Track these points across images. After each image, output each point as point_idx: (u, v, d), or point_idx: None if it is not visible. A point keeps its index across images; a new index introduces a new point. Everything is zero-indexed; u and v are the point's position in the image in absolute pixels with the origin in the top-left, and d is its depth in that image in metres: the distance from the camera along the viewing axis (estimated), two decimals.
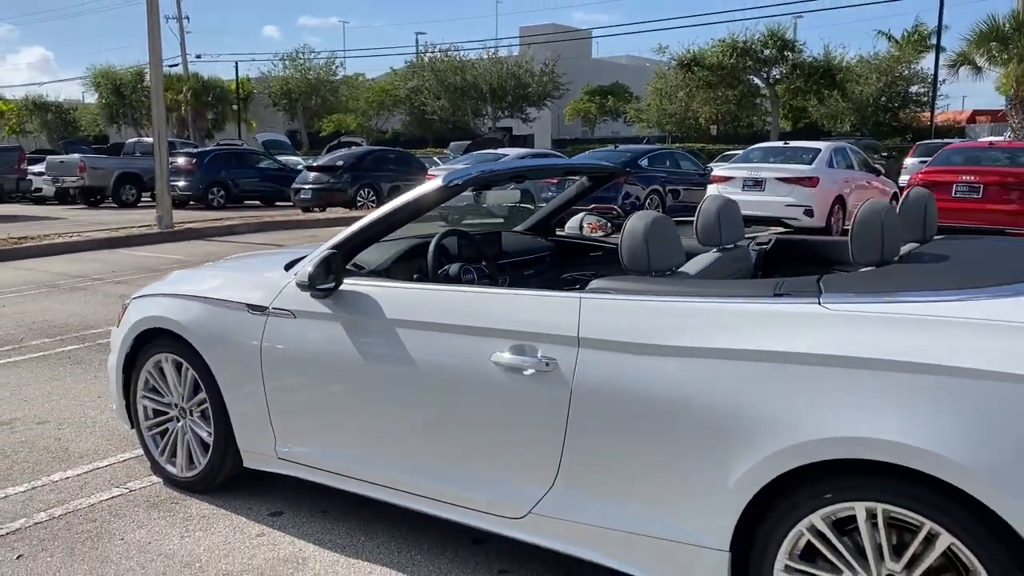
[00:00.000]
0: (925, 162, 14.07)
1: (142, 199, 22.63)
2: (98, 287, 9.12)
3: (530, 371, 2.63)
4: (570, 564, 2.83)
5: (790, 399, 2.20)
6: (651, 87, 38.59)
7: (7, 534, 3.32)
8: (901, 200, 3.24)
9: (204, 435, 3.61)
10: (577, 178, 4.56)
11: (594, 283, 2.71)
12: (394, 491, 3.05)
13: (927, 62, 36.55)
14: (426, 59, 43.22)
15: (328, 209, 18.73)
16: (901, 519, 2.11)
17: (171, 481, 3.76)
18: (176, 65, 51.18)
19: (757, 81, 31.41)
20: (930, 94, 37.93)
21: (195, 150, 23.54)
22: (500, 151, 18.01)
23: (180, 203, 21.48)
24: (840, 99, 32.52)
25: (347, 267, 3.27)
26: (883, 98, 36.28)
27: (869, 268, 2.68)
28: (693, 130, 38.12)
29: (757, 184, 12.34)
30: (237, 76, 47.56)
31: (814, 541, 2.23)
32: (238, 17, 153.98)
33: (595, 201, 13.42)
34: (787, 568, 2.27)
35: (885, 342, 2.13)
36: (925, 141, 23.99)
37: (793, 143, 14.19)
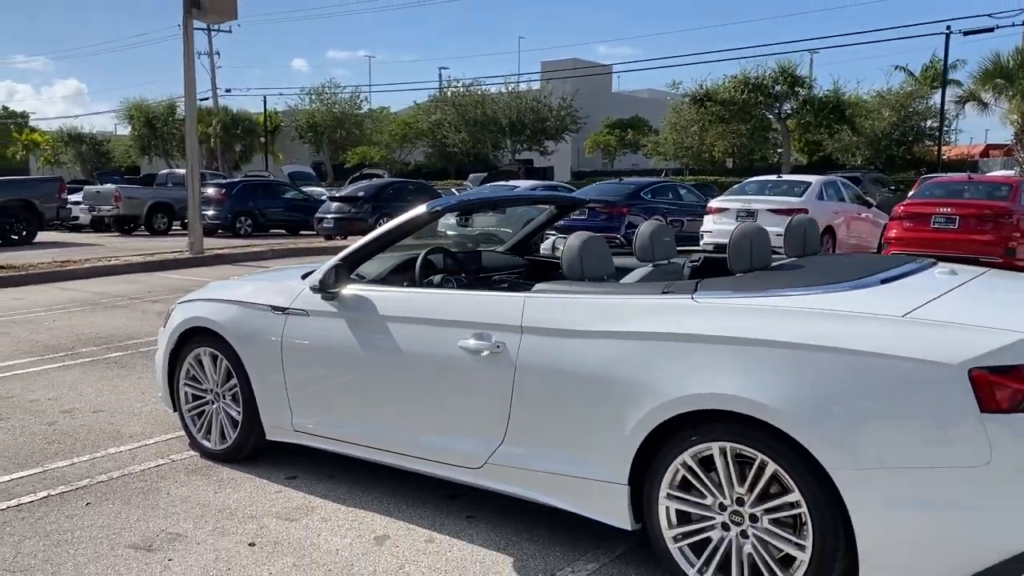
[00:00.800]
0: None
1: (173, 227, 23.73)
2: (137, 305, 10.03)
3: (486, 352, 3.42)
4: (521, 509, 3.61)
5: (665, 367, 2.98)
6: (667, 121, 39.54)
7: (77, 488, 4.14)
8: (785, 226, 4.02)
9: (234, 414, 4.42)
10: (548, 207, 5.38)
11: (536, 286, 3.52)
12: (385, 452, 3.84)
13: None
14: (448, 93, 44.49)
15: (349, 237, 19.67)
16: (743, 454, 2.87)
17: (206, 453, 4.58)
18: (207, 99, 52.97)
19: (769, 116, 32.23)
20: (944, 128, 38.51)
21: (224, 181, 24.61)
22: (513, 183, 18.89)
23: (209, 231, 22.50)
24: (851, 133, 33.24)
25: (351, 276, 4.09)
26: (897, 132, 36.93)
27: (741, 274, 3.47)
28: (709, 163, 38.91)
29: (750, 215, 13.10)
30: (265, 110, 49.10)
31: (687, 475, 2.99)
32: (268, 51, 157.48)
33: (601, 230, 14.24)
34: (668, 496, 3.03)
35: (732, 324, 2.91)
36: (930, 175, 24.62)
37: (786, 177, 14.96)
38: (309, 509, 3.88)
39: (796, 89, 30.97)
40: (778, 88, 30.95)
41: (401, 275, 4.36)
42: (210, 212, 22.43)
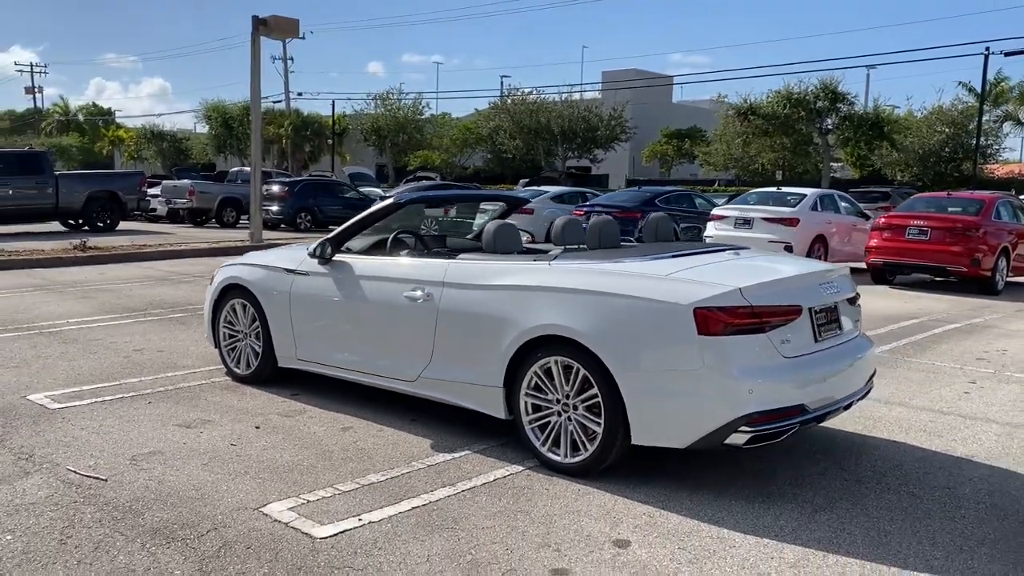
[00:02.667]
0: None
1: (240, 221, 25.88)
2: (198, 281, 11.87)
3: (420, 300, 4.97)
4: (449, 413, 5.14)
5: (525, 307, 4.48)
6: (715, 133, 40.59)
7: (142, 394, 5.82)
8: (642, 223, 5.49)
9: (257, 348, 6.05)
10: (500, 204, 6.89)
11: (459, 256, 5.06)
12: (356, 372, 5.41)
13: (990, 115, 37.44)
14: (509, 101, 46.24)
15: None
16: (567, 364, 4.35)
17: (236, 377, 6.22)
18: (280, 102, 55.80)
19: (810, 130, 33.07)
20: (994, 146, 38.67)
21: (288, 180, 26.64)
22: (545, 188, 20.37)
23: (273, 225, 24.59)
24: (890, 149, 33.85)
25: (341, 249, 5.67)
26: (947, 149, 37.32)
27: (591, 250, 4.97)
28: (757, 174, 39.79)
29: (747, 223, 14.37)
30: (333, 113, 51.54)
31: (537, 380, 4.49)
32: (344, 56, 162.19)
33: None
34: (526, 394, 4.52)
35: (563, 279, 4.41)
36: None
37: (786, 189, 16.13)
38: (302, 412, 5.48)
39: (837, 105, 31.78)
40: (820, 104, 31.81)
41: (379, 249, 5.93)
42: (274, 208, 24.46)
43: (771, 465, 4.65)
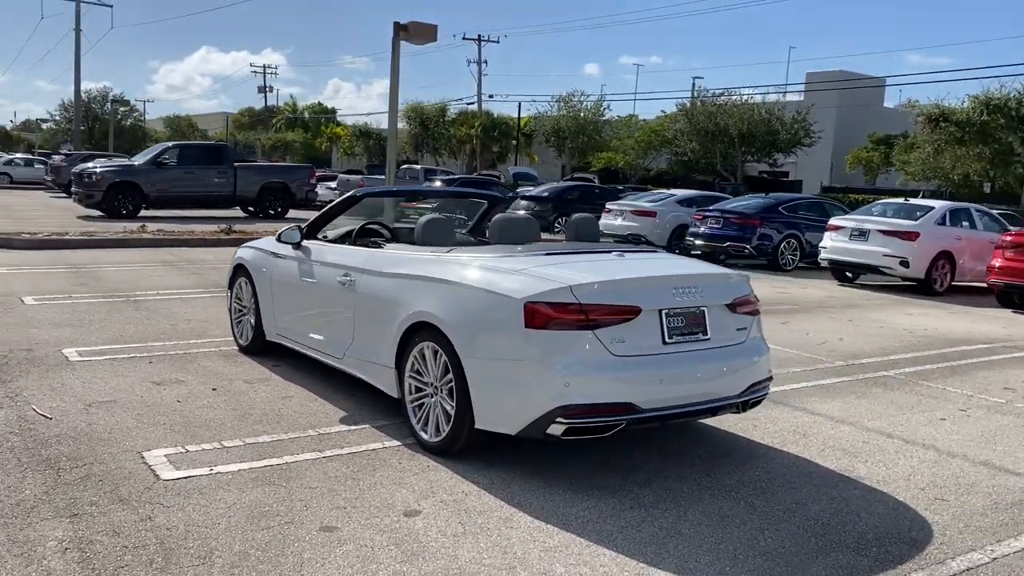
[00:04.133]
0: None
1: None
2: None
3: (346, 284, 5.44)
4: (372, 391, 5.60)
5: (410, 295, 4.84)
6: (910, 140, 37.89)
7: (154, 356, 6.70)
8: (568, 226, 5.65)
9: (252, 322, 6.78)
10: (484, 202, 7.20)
11: (386, 246, 5.48)
12: (307, 348, 5.97)
13: None
14: (698, 103, 45.46)
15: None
16: (435, 350, 4.66)
17: (240, 348, 6.98)
18: (473, 103, 58.09)
19: (1011, 140, 30.06)
20: None
21: (446, 178, 27.93)
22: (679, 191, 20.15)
23: None
24: None
25: (316, 236, 6.25)
26: None
27: (493, 244, 5.22)
28: (961, 186, 36.66)
29: (862, 235, 13.62)
30: (519, 115, 52.98)
31: (417, 363, 4.83)
32: (540, 57, 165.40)
33: (729, 239, 15.38)
34: (409, 376, 4.87)
35: (439, 270, 4.73)
36: None
37: (915, 201, 15.03)
38: (266, 380, 6.11)
39: None
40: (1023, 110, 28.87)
41: (346, 237, 6.45)
42: (429, 205, 25.79)
43: (639, 463, 4.71)
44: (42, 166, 39.34)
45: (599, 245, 5.49)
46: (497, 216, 5.88)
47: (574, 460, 4.71)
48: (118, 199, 20.70)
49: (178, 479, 4.17)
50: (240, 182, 22.28)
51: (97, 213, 21.01)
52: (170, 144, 24.01)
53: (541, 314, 4.15)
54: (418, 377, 4.83)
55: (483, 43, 56.85)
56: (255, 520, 3.74)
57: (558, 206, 21.83)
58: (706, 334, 4.56)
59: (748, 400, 4.71)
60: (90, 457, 4.39)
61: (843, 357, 8.00)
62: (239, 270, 6.98)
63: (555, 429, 4.14)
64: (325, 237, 6.35)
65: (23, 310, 8.33)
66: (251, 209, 23.12)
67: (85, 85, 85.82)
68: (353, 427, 5.12)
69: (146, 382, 5.90)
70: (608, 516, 3.98)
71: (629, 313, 4.26)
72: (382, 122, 76.74)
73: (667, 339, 4.39)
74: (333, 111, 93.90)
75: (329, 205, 6.26)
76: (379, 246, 5.67)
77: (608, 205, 19.47)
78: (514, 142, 53.06)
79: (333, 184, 28.97)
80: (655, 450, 4.98)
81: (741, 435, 5.37)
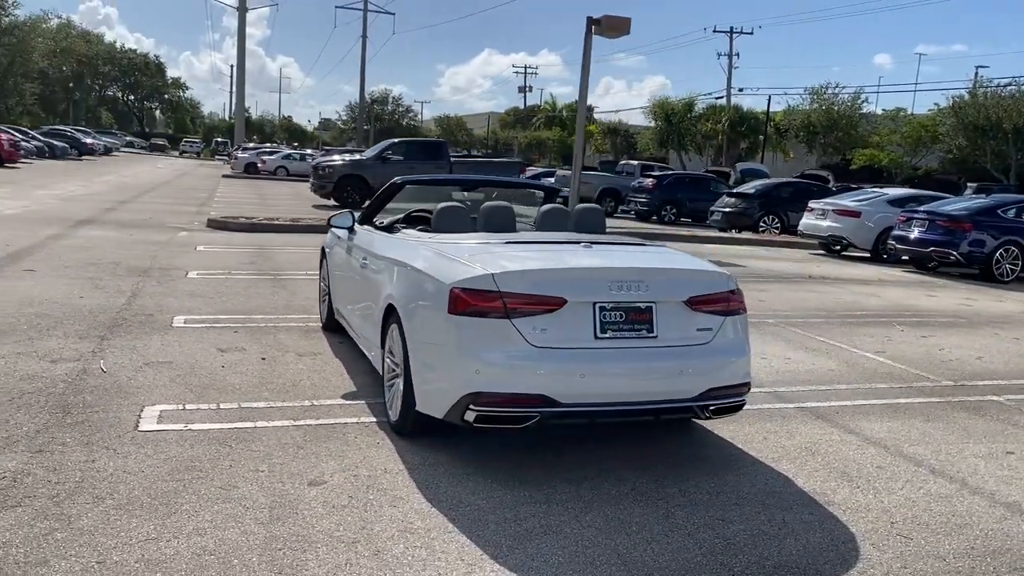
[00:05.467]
0: None
1: (619, 210, 27.44)
2: None
3: (363, 267, 5.71)
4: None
5: (389, 277, 5.00)
6: None
7: (244, 327, 7.38)
8: (571, 216, 5.45)
9: (327, 301, 7.26)
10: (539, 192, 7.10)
11: (399, 232, 5.67)
12: (347, 325, 6.32)
13: None
14: (975, 95, 40.99)
15: (738, 232, 21.06)
16: (399, 330, 4.77)
17: (321, 325, 7.49)
18: (721, 97, 56.47)
19: None
20: None
21: (657, 174, 27.45)
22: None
23: (639, 216, 25.74)
24: None
25: (372, 223, 6.58)
26: None
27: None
28: None
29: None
30: (768, 109, 50.69)
31: (391, 344, 4.98)
32: (801, 48, 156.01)
33: (934, 244, 13.94)
34: (387, 356, 5.03)
35: (405, 254, 4.84)
36: None
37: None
38: (317, 354, 6.54)
39: None
40: None
41: (395, 224, 6.70)
42: (641, 199, 25.57)
43: (593, 460, 4.53)
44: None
45: (583, 236, 5.29)
46: (484, 204, 5.83)
47: (530, 452, 4.63)
48: (347, 190, 22.62)
49: (149, 431, 4.64)
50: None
51: (332, 202, 23.10)
52: (394, 140, 25.79)
53: (462, 300, 4.14)
54: (391, 358, 4.98)
55: (735, 35, 55.12)
56: (175, 473, 4.09)
57: (765, 204, 20.76)
58: (652, 331, 4.28)
59: (709, 405, 4.36)
60: (100, 407, 5.00)
61: (958, 377, 7.02)
62: (322, 252, 7.50)
63: (469, 416, 4.12)
64: (380, 224, 6.65)
65: (180, 283, 9.47)
66: None
67: (379, 87, 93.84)
68: (347, 402, 5.37)
69: (212, 348, 6.54)
70: (498, 508, 3.90)
71: (552, 304, 4.12)
72: (631, 118, 76.77)
73: (599, 333, 4.19)
74: (590, 109, 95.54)
75: (375, 196, 6.56)
76: (396, 231, 5.87)
77: (811, 203, 18.16)
78: (761, 137, 50.86)
79: (552, 180, 29.54)
80: (627, 450, 4.75)
81: (739, 446, 4.96)
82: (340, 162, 23.57)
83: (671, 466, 4.57)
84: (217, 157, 70.78)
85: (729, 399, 4.45)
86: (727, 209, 21.03)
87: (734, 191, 22.22)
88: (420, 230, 5.92)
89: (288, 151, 50.49)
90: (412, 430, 4.65)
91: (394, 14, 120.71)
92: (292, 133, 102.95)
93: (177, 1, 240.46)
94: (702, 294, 4.41)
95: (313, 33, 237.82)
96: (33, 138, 43.66)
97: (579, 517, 3.86)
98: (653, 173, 27.24)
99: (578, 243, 4.89)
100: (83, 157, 49.00)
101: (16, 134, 40.07)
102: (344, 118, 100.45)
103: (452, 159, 23.83)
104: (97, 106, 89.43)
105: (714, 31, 55.14)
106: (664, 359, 4.27)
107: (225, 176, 41.07)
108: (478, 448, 4.64)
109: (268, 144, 75.14)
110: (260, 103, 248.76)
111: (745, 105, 55.09)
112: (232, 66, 58.11)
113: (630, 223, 24.02)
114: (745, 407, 5.15)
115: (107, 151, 57.41)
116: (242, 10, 63.11)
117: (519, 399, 4.06)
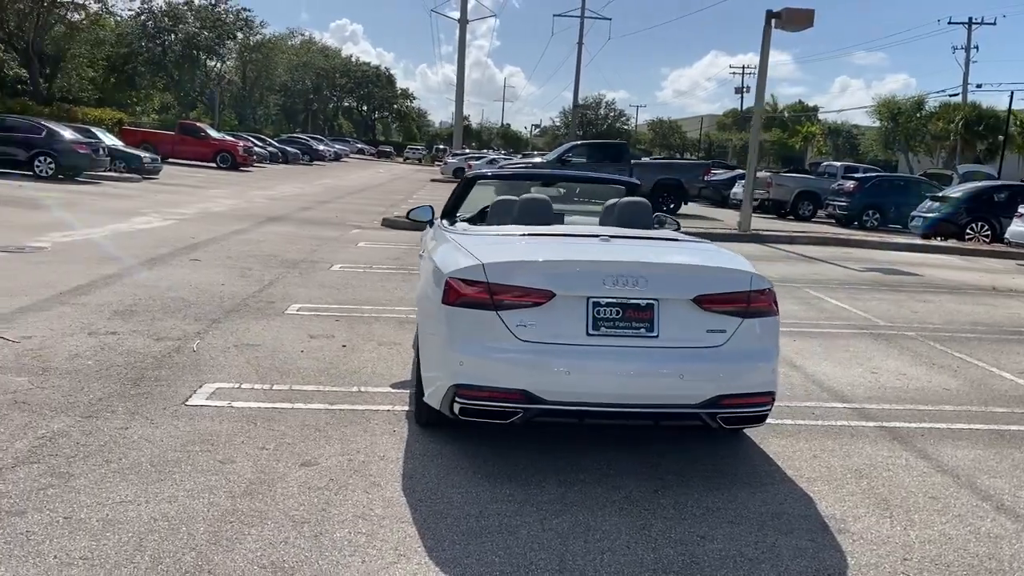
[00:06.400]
0: None
1: (817, 215, 25.88)
2: None
3: (423, 261, 5.79)
4: None
5: (423, 269, 5.03)
6: None
7: (348, 316, 7.71)
8: (606, 210, 5.16)
9: None
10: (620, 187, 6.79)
11: (455, 225, 5.69)
12: None
13: None
14: None
15: (941, 239, 19.15)
16: None
17: None
18: (957, 95, 51.69)
19: None
20: None
21: (859, 176, 25.53)
22: None
23: (841, 221, 24.14)
24: None
25: (456, 216, 6.64)
26: None
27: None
28: None
29: None
30: (1010, 106, 45.77)
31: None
32: None
33: None
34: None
35: (431, 246, 4.85)
36: None
37: None
38: (395, 345, 6.70)
39: None
40: None
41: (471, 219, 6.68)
42: (841, 203, 23.97)
43: (602, 464, 4.32)
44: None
45: (610, 230, 5.02)
46: (521, 197, 5.65)
47: (546, 452, 4.50)
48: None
49: (193, 406, 4.96)
50: (636, 178, 23.15)
51: None
52: (576, 143, 25.88)
53: (454, 290, 4.09)
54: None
55: (974, 26, 50.30)
56: (188, 445, 4.35)
57: (973, 209, 18.75)
58: (652, 330, 4.00)
59: (718, 414, 4.01)
60: (168, 381, 5.41)
61: None
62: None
63: (456, 407, 4.07)
64: (460, 218, 6.70)
65: (319, 275, 10.05)
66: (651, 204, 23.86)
67: (592, 92, 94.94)
68: (393, 391, 5.46)
69: (304, 335, 6.88)
70: (468, 503, 3.82)
71: (539, 297, 3.97)
72: (855, 119, 72.10)
73: (591, 330, 3.98)
74: (815, 109, 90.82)
75: (452, 192, 6.60)
76: (452, 226, 5.88)
77: (1020, 209, 16.17)
78: (1001, 138, 46.00)
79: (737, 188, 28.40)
80: (646, 457, 4.49)
81: (777, 462, 4.54)
82: (521, 166, 23.99)
83: (682, 477, 4.26)
84: (436, 163, 74.50)
85: (743, 409, 4.06)
86: (928, 215, 19.20)
87: (938, 195, 20.23)
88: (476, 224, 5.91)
89: (492, 156, 52.12)
90: (428, 420, 4.65)
91: (610, 19, 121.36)
92: (509, 140, 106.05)
93: (414, 17, 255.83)
94: (713, 292, 4.06)
95: (539, 42, 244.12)
96: (269, 145, 48.00)
97: (546, 520, 3.69)
98: (856, 175, 25.41)
99: (597, 236, 4.67)
100: (313, 162, 53.22)
101: (255, 141, 44.32)
102: (557, 124, 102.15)
103: (633, 161, 23.51)
104: (334, 116, 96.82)
105: (949, 23, 50.43)
106: (664, 361, 3.98)
107: (433, 180, 43.03)
108: (494, 443, 4.56)
109: (485, 150, 78.09)
110: (486, 112, 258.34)
111: (985, 102, 50.04)
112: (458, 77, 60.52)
113: (826, 228, 22.56)
114: (816, 422, 4.74)
115: (337, 157, 61.93)
116: (463, 22, 65.92)
117: (500, 394, 3.95)
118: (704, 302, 4.04)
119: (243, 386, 5.40)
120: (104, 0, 39.87)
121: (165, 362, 5.81)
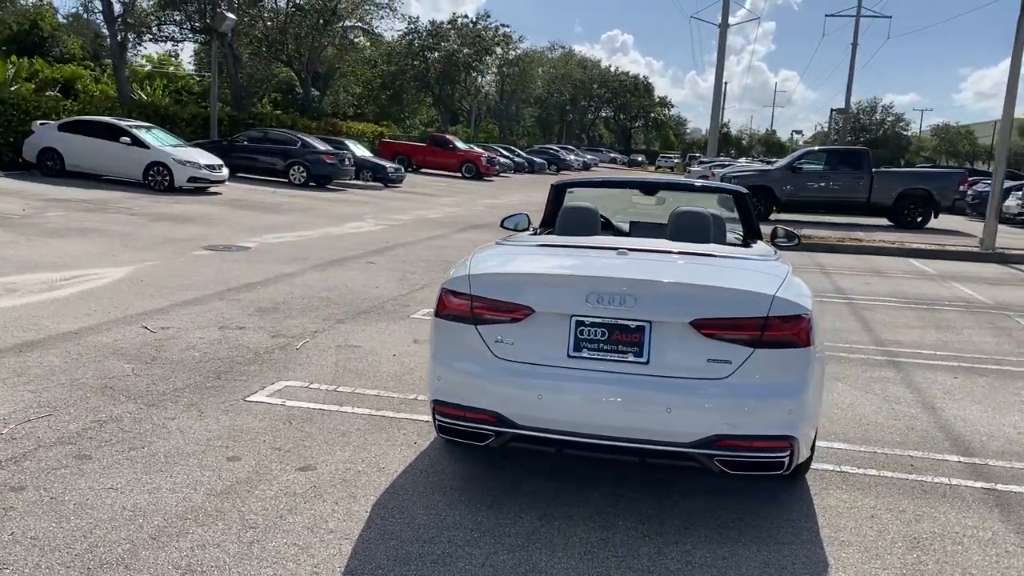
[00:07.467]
0: None
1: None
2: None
3: None
4: None
5: None
6: None
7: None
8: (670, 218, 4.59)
9: None
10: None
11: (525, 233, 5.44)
12: None
13: None
14: None
15: None
16: None
17: None
18: None
19: None
20: None
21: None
22: None
23: None
24: None
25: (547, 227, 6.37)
26: None
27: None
28: None
29: None
30: None
31: None
32: None
33: None
34: None
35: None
36: None
37: None
38: None
39: None
40: None
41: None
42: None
43: (609, 494, 3.90)
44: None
45: (636, 242, 4.48)
46: (564, 206, 5.22)
47: (560, 478, 4.17)
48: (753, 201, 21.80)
49: (250, 402, 5.15)
50: (876, 188, 21.15)
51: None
52: (812, 149, 24.06)
53: (443, 302, 3.90)
54: None
55: None
56: (213, 440, 4.50)
57: None
58: (642, 355, 3.54)
59: (716, 456, 3.46)
60: (246, 376, 5.67)
61: None
62: None
63: (436, 424, 3.87)
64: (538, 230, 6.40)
65: None
66: (894, 217, 21.73)
67: (868, 96, 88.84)
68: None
69: (410, 339, 6.94)
70: (435, 528, 3.61)
71: (516, 312, 3.65)
72: None
73: (573, 351, 3.60)
74: None
75: (545, 203, 6.30)
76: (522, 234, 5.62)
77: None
78: None
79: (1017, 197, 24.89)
80: (672, 496, 4.00)
81: (820, 518, 3.85)
82: (741, 173, 22.79)
83: (687, 524, 3.73)
84: (687, 171, 73.27)
85: (748, 454, 3.48)
86: None
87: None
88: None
89: (727, 161, 50.25)
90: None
91: (890, 17, 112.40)
92: (770, 147, 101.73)
93: (682, 25, 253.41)
94: (714, 317, 3.51)
95: (816, 45, 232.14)
96: (517, 155, 49.63)
97: (494, 556, 3.39)
98: None
99: (616, 250, 4.21)
100: (560, 172, 54.32)
101: (504, 152, 46.06)
102: (826, 129, 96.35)
103: (875, 170, 21.48)
104: (591, 126, 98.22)
105: None
106: (652, 391, 3.51)
107: None
108: (505, 463, 4.30)
109: (743, 158, 75.50)
110: (756, 118, 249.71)
111: None
112: (726, 84, 59.15)
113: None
114: (907, 475, 4.07)
115: (585, 167, 62.72)
116: (723, 27, 64.12)
117: (472, 414, 3.69)
118: (703, 327, 3.52)
119: (311, 385, 5.52)
120: (370, 24, 43.23)
121: (261, 358, 6.09)
